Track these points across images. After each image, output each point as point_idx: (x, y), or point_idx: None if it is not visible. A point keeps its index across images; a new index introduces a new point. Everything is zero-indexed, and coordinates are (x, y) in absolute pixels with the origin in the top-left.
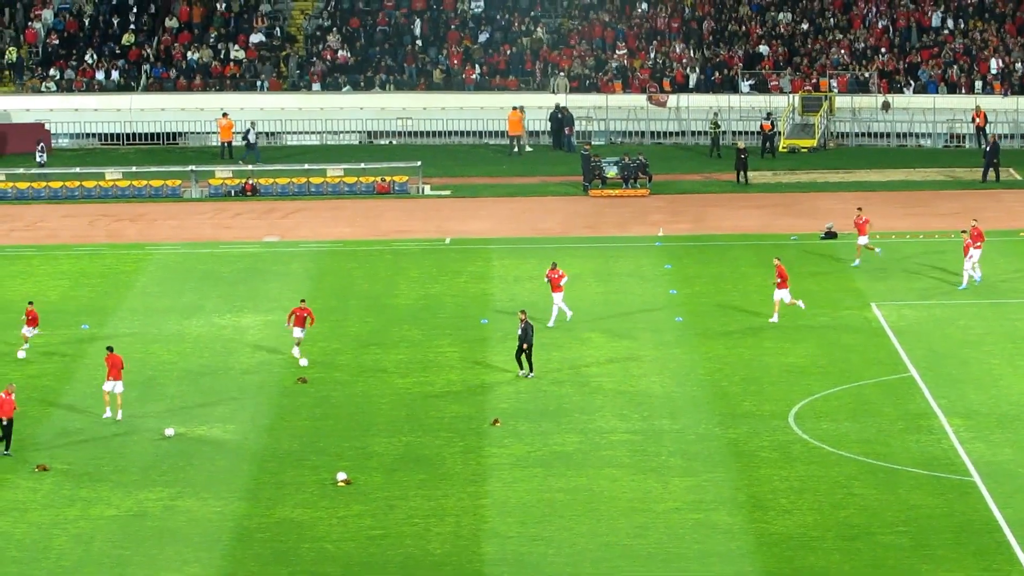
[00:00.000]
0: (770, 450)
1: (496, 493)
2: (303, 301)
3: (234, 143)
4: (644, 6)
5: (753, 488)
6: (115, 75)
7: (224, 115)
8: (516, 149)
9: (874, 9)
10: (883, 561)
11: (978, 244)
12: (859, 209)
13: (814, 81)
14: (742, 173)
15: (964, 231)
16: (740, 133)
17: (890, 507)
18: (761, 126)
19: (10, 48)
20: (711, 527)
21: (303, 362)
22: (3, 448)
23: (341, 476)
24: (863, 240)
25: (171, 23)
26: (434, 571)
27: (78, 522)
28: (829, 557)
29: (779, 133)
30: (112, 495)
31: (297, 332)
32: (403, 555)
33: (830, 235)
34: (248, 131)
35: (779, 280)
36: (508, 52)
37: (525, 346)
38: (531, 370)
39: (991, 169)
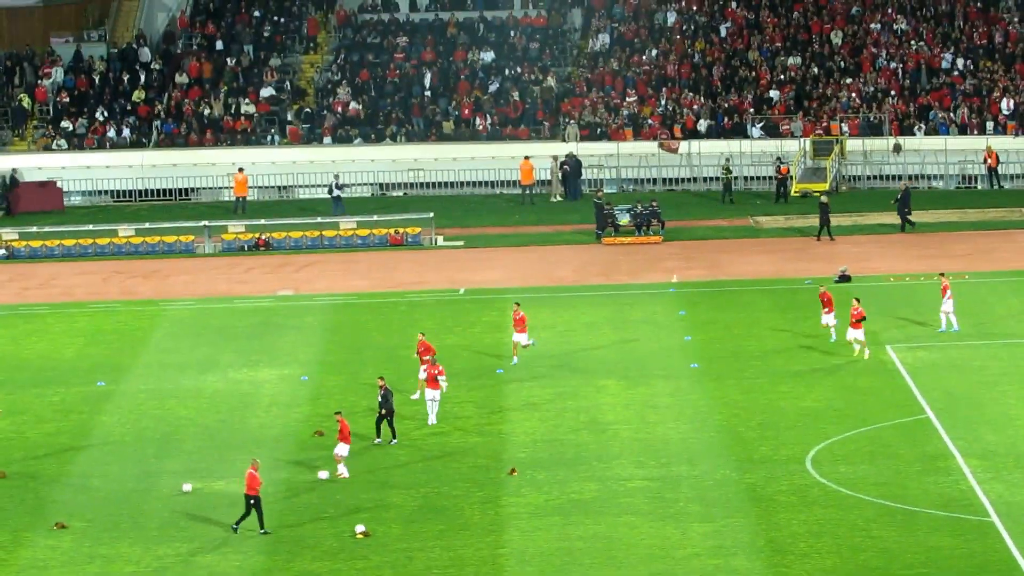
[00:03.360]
0: (788, 494)
1: (515, 543)
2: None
3: (247, 198)
4: (653, 53)
5: (772, 533)
6: (126, 131)
7: (240, 170)
8: (529, 198)
9: (884, 52)
10: None
11: (945, 293)
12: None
13: (825, 125)
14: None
15: (942, 274)
16: (752, 178)
17: (909, 549)
18: (778, 170)
19: (23, 94)
20: (731, 572)
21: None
22: (247, 526)
23: (359, 528)
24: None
25: (181, 79)
26: None
27: None
28: None
29: (791, 177)
30: (131, 551)
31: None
32: None
33: (844, 278)
34: (332, 184)
35: (854, 319)
36: (518, 101)
37: (384, 411)
38: (393, 436)
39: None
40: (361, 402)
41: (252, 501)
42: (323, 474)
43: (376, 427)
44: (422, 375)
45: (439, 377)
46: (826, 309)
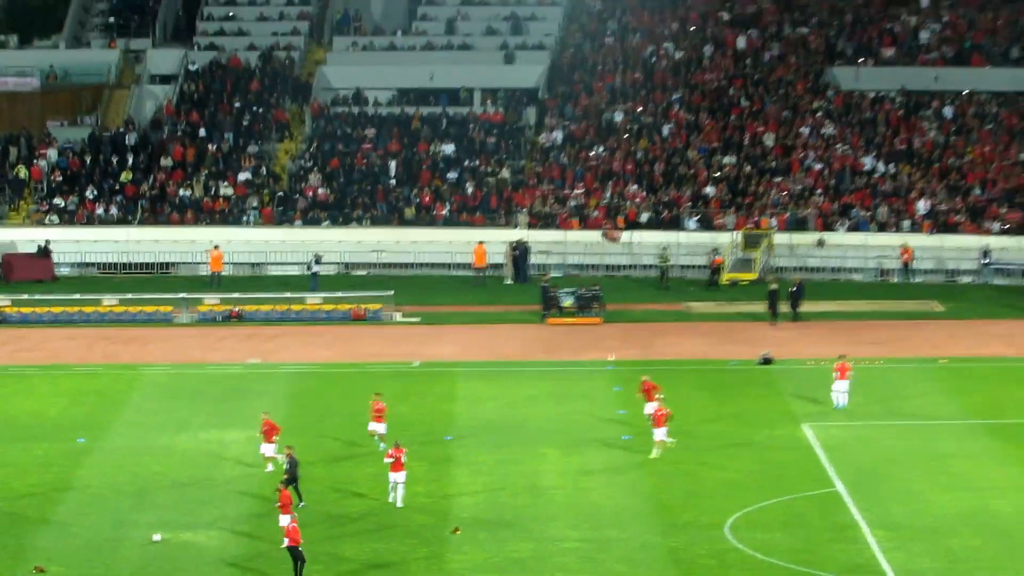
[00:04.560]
0: (707, 558)
1: None
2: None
3: (222, 273)
4: (601, 149)
5: None
6: (113, 209)
7: (216, 247)
8: (482, 280)
9: (811, 154)
10: None
11: (845, 376)
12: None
13: (756, 219)
14: (775, 311)
15: (842, 356)
16: (687, 267)
17: None
18: (714, 260)
19: (20, 166)
20: None
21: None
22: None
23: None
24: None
25: (166, 162)
26: None
27: None
28: None
29: (723, 267)
30: None
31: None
32: None
33: (766, 361)
34: (311, 261)
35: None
36: (475, 190)
37: (287, 477)
38: (300, 499)
39: (793, 308)
40: (317, 463)
41: (295, 552)
42: (157, 536)
43: (296, 491)
44: (377, 428)
45: (403, 459)
46: (646, 396)
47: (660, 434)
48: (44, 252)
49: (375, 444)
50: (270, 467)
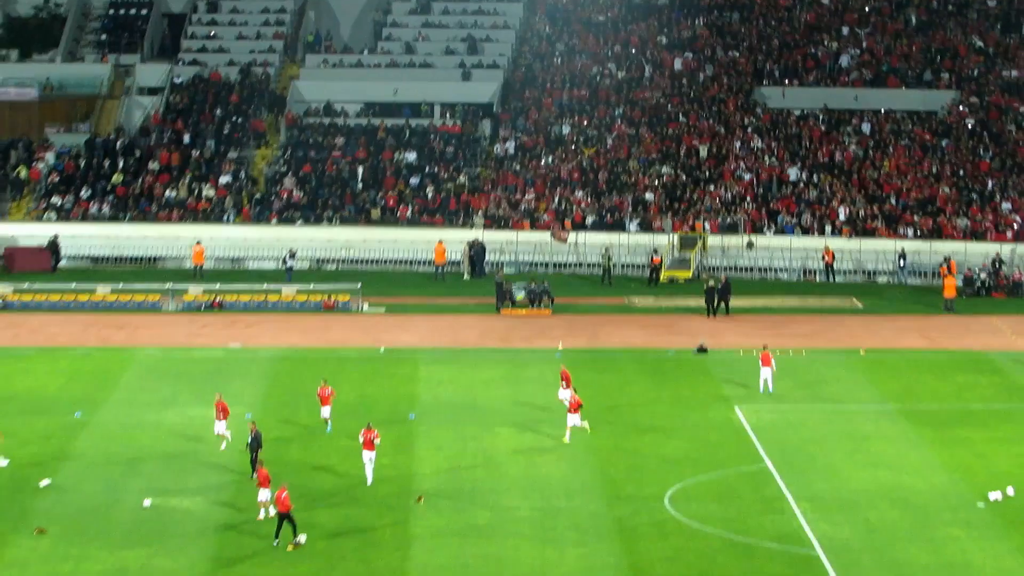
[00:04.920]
0: (648, 526)
1: (419, 558)
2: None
3: (204, 266)
4: (550, 159)
5: (634, 558)
6: (106, 208)
7: (198, 243)
8: (441, 275)
9: (742, 164)
10: None
11: (769, 363)
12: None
13: (690, 223)
14: (711, 306)
15: (765, 346)
16: (628, 265)
17: (749, 574)
18: (651, 259)
19: (21, 167)
20: None
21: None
22: (290, 536)
23: (301, 539)
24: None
25: (154, 165)
26: None
27: None
28: None
29: (661, 266)
30: (99, 554)
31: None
32: None
33: (702, 350)
34: (286, 255)
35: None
36: (435, 194)
37: (252, 449)
38: (253, 471)
39: (722, 303)
40: (293, 439)
41: (283, 517)
42: (147, 502)
43: (251, 464)
44: (325, 412)
45: (375, 440)
46: (563, 384)
47: (574, 419)
48: (53, 246)
49: (319, 428)
50: (223, 445)
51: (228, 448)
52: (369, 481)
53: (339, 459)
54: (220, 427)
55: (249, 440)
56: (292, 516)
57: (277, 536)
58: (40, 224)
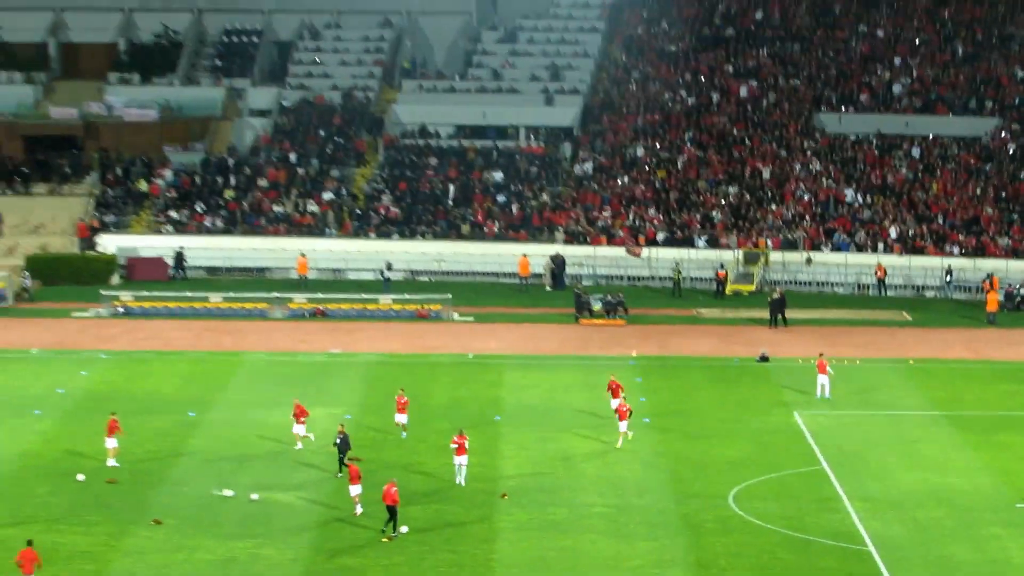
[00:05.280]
0: (713, 523)
1: (503, 551)
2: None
3: (308, 276)
4: (625, 179)
5: (699, 551)
6: (219, 221)
7: (302, 255)
8: (525, 287)
9: (801, 185)
10: None
11: (824, 370)
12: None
13: (754, 240)
14: (773, 317)
15: (821, 354)
16: (697, 279)
17: (804, 569)
18: (716, 274)
19: (141, 179)
20: None
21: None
22: (391, 530)
23: (404, 529)
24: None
25: (262, 182)
26: None
27: (183, 564)
28: None
29: (727, 280)
30: (210, 544)
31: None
32: None
33: (764, 359)
34: (383, 268)
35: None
36: (519, 211)
37: (340, 450)
38: (340, 470)
39: (779, 315)
40: (388, 440)
41: (390, 510)
42: (255, 496)
43: (339, 463)
44: (401, 419)
45: (466, 444)
46: (612, 394)
47: (623, 427)
48: (179, 258)
49: (398, 432)
50: (299, 445)
51: (317, 448)
52: (461, 483)
53: (430, 458)
54: (299, 429)
55: (337, 441)
56: (396, 510)
57: (393, 528)
58: (158, 236)
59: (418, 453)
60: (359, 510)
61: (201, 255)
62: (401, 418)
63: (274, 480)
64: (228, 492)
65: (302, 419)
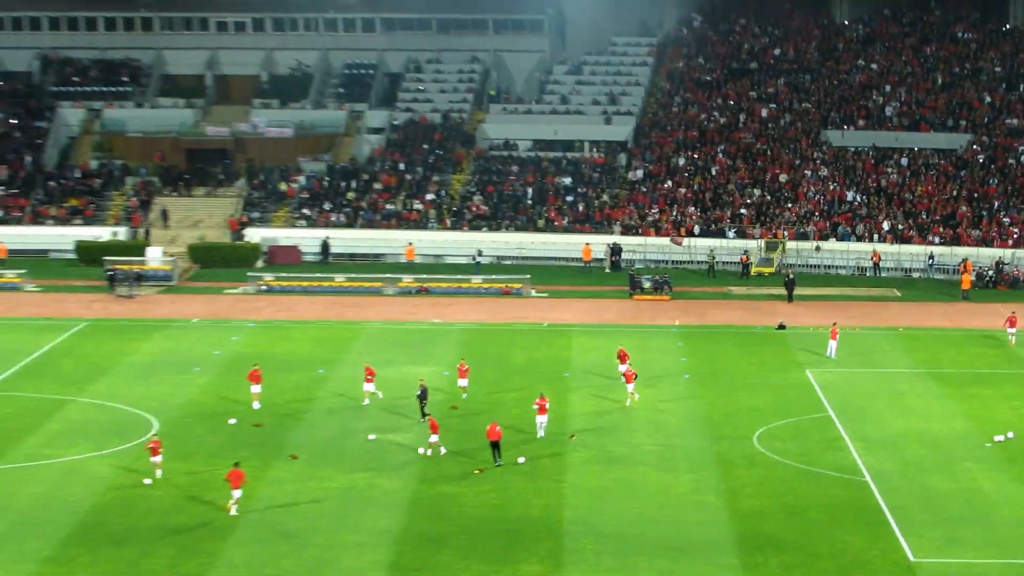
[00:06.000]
0: (741, 458)
1: (572, 481)
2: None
3: (414, 261)
4: (669, 183)
5: (730, 481)
6: (342, 217)
7: (409, 244)
8: (588, 269)
9: (812, 188)
10: (811, 527)
11: (835, 336)
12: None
13: (773, 232)
14: (790, 292)
15: (834, 323)
16: (727, 263)
17: (815, 496)
18: (741, 258)
19: (281, 183)
20: (704, 505)
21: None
22: (494, 460)
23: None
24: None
25: (377, 186)
26: (531, 526)
27: (314, 491)
28: (776, 524)
29: (751, 263)
30: (335, 475)
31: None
32: (513, 517)
33: (781, 327)
34: (475, 254)
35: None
36: (584, 209)
37: (421, 400)
38: (423, 417)
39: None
40: (478, 393)
41: (494, 444)
42: (372, 436)
43: (420, 412)
44: (462, 383)
45: (547, 405)
46: (620, 362)
47: (630, 388)
48: (324, 246)
49: (469, 392)
50: (366, 401)
51: (434, 397)
52: (541, 435)
53: (513, 406)
54: (369, 387)
55: (419, 393)
56: (499, 444)
57: (496, 458)
58: (293, 229)
59: (503, 403)
60: (428, 452)
61: (329, 244)
62: (462, 382)
63: (386, 425)
64: (372, 436)
65: (370, 379)
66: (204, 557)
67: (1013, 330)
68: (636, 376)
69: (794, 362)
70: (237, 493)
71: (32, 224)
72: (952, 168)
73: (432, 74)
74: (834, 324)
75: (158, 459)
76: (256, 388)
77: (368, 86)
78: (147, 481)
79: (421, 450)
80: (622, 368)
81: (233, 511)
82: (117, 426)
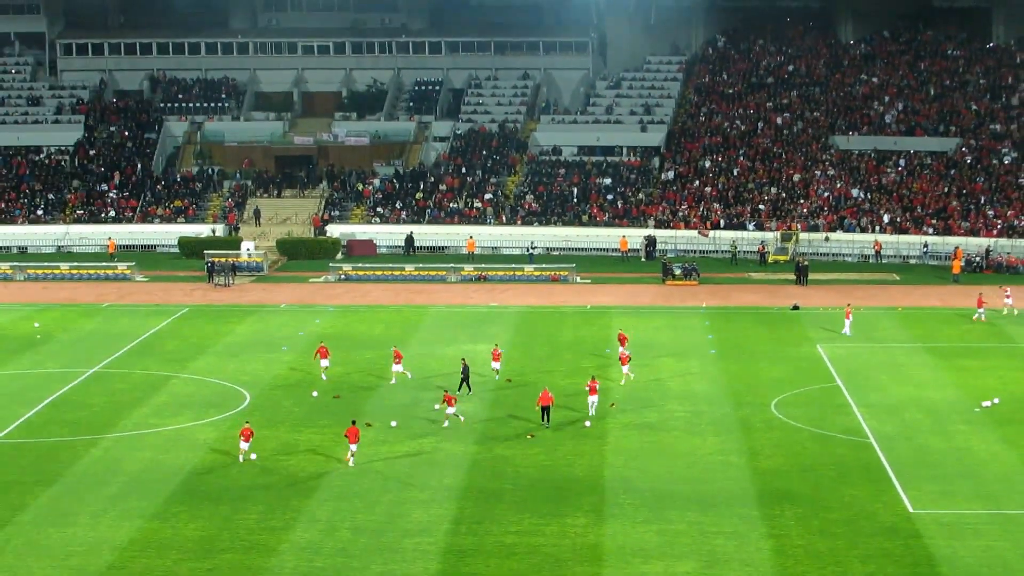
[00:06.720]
0: (760, 423)
1: (612, 443)
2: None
3: (474, 252)
4: (696, 183)
5: (751, 443)
6: (411, 215)
7: (470, 237)
8: (626, 258)
9: (821, 186)
10: (822, 483)
11: (849, 315)
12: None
13: (788, 224)
14: (801, 278)
15: (848, 304)
16: (748, 252)
17: (825, 456)
18: (758, 248)
19: (358, 184)
20: (729, 464)
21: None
22: (543, 422)
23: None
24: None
25: (442, 187)
26: (577, 483)
27: (386, 454)
28: (791, 481)
29: (768, 252)
30: (405, 440)
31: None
32: (561, 475)
33: (795, 308)
34: (528, 246)
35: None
36: (622, 205)
37: (463, 376)
38: (470, 389)
39: (802, 277)
40: (529, 368)
41: (545, 409)
42: (437, 406)
43: (460, 385)
44: (495, 366)
45: (597, 387)
46: (620, 344)
47: (625, 369)
48: (409, 239)
49: (495, 379)
50: (393, 380)
51: (486, 370)
52: (592, 413)
53: (559, 379)
54: (398, 368)
55: (462, 369)
56: (550, 409)
57: (546, 418)
58: (369, 225)
59: (552, 375)
60: (447, 424)
61: (400, 237)
62: (495, 365)
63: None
64: (437, 406)
65: (398, 360)
66: (290, 513)
67: (981, 310)
68: (630, 359)
69: (807, 338)
70: (354, 447)
71: (141, 222)
72: (943, 168)
73: (490, 89)
74: (848, 305)
75: (246, 446)
76: (325, 363)
77: (434, 100)
78: (243, 457)
79: (446, 423)
80: (621, 350)
81: (351, 463)
82: (215, 398)
